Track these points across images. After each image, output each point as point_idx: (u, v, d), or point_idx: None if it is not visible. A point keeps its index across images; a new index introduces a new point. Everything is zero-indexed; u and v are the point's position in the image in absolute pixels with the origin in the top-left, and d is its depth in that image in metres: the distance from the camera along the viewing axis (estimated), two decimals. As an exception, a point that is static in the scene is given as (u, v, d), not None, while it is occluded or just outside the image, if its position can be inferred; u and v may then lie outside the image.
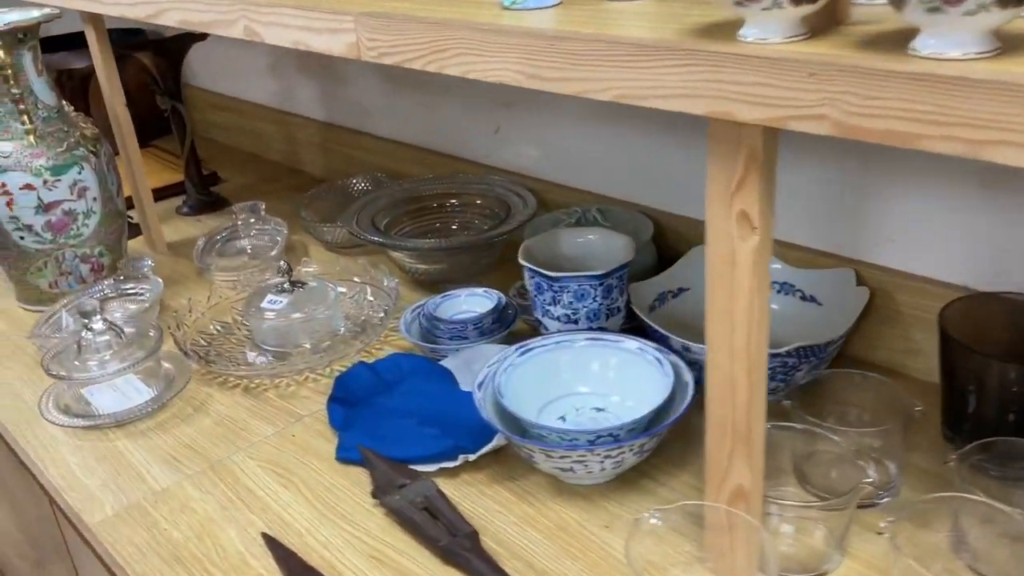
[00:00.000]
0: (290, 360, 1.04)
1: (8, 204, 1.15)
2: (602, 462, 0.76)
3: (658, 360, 0.83)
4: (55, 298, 1.24)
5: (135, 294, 1.23)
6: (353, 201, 1.51)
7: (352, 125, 1.64)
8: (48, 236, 1.18)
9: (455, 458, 0.84)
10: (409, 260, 1.22)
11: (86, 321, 0.96)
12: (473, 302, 1.04)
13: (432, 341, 1.03)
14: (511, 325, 1.01)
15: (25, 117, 1.15)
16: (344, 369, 1.03)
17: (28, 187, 1.15)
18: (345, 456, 0.88)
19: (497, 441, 0.84)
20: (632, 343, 0.86)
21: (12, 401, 1.03)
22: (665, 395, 0.79)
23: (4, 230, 1.17)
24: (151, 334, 1.00)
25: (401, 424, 0.89)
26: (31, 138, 1.16)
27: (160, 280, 1.21)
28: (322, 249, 1.41)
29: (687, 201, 1.10)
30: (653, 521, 0.67)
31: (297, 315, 1.08)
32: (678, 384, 0.81)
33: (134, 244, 1.44)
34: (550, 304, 0.92)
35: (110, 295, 1.23)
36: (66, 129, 1.20)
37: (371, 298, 1.17)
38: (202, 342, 1.12)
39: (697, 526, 0.70)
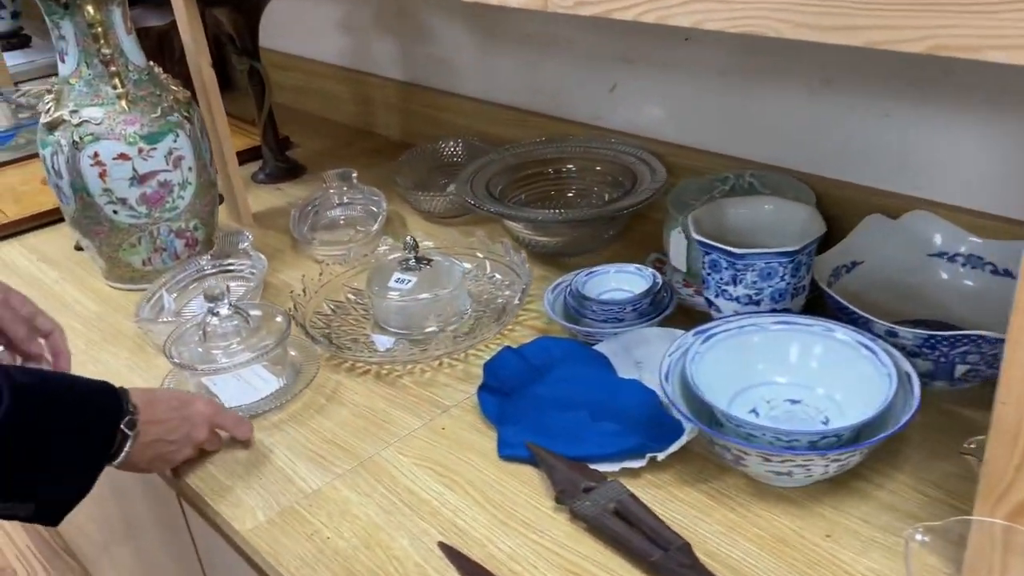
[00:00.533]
0: (425, 344, 0.96)
1: (101, 176, 1.06)
2: (827, 466, 0.68)
3: (869, 349, 0.74)
4: (147, 276, 1.16)
5: (235, 271, 1.15)
6: (444, 167, 1.43)
7: (436, 85, 1.53)
8: (143, 210, 1.10)
9: (641, 457, 0.76)
10: (527, 232, 1.14)
11: (212, 305, 0.88)
12: (623, 280, 0.96)
13: (575, 321, 0.95)
14: (668, 307, 0.92)
15: (116, 80, 1.06)
16: (479, 353, 0.95)
17: (122, 157, 1.06)
18: (511, 453, 0.80)
19: (687, 437, 0.76)
20: (838, 329, 0.77)
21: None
22: (890, 391, 0.70)
23: (96, 204, 1.08)
24: (278, 320, 0.91)
25: (570, 418, 0.81)
26: (123, 103, 1.06)
27: (263, 256, 1.12)
28: (419, 219, 1.33)
29: (849, 165, 1.00)
30: (919, 538, 0.59)
31: (424, 295, 0.99)
32: (899, 378, 0.72)
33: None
34: (728, 284, 0.83)
35: (209, 272, 1.14)
36: (158, 93, 1.10)
37: (496, 275, 1.08)
38: (319, 323, 1.03)
39: (947, 543, 0.62)
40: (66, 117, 1.05)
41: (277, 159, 1.51)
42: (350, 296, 1.09)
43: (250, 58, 1.42)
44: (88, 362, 1.03)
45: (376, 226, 1.21)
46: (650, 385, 0.86)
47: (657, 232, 1.16)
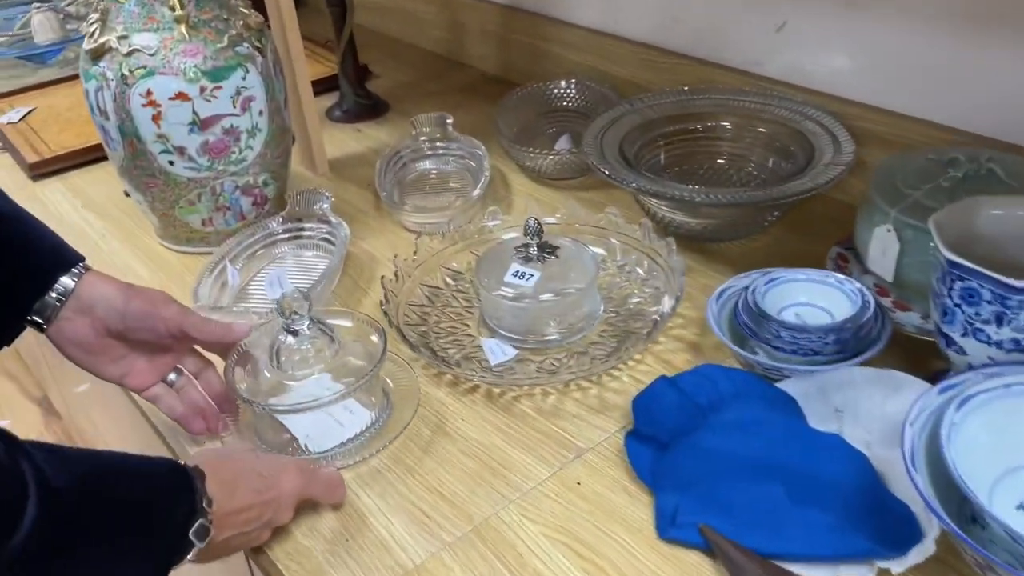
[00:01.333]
0: (543, 351, 0.76)
1: (155, 119, 0.87)
2: None
3: None
4: (207, 238, 0.97)
5: (310, 237, 0.96)
6: (552, 112, 1.20)
7: (545, 11, 1.29)
8: (204, 161, 0.90)
9: (867, 564, 0.56)
10: (666, 209, 0.91)
11: (287, 321, 0.68)
12: (816, 293, 0.74)
13: (743, 342, 0.74)
14: (880, 339, 0.70)
15: (175, 0, 0.85)
16: (615, 372, 0.75)
17: (180, 96, 0.86)
18: (677, 536, 0.60)
19: (932, 544, 0.55)
20: None
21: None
22: None
23: (149, 152, 0.89)
24: (374, 339, 0.71)
25: (759, 492, 0.61)
26: (182, 29, 0.86)
27: (345, 225, 0.92)
28: (523, 177, 1.11)
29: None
30: None
31: (550, 297, 0.79)
32: None
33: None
34: (988, 322, 0.61)
35: (280, 236, 0.95)
36: (225, 17, 0.89)
37: (631, 266, 0.87)
38: (413, 317, 0.84)
39: None
40: (113, 44, 0.85)
41: (357, 94, 1.29)
42: (448, 280, 0.90)
43: (330, -27, 1.20)
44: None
45: (478, 190, 1.00)
46: (853, 442, 0.65)
47: (838, 215, 0.94)
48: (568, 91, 1.19)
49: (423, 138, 1.11)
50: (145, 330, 0.65)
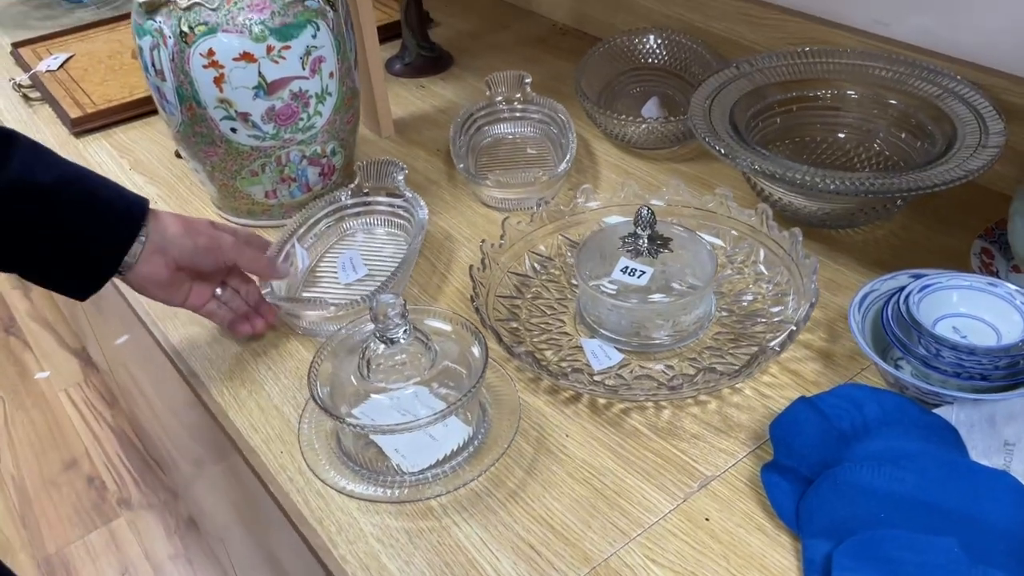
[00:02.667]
0: (652, 354, 0.68)
1: (216, 81, 0.77)
2: None
3: None
4: (270, 211, 0.89)
5: (382, 211, 0.87)
6: (635, 70, 1.09)
7: (629, -44, 1.17)
8: (270, 129, 0.81)
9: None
10: (781, 191, 0.82)
11: (380, 328, 0.60)
12: (977, 303, 0.64)
13: (883, 355, 0.65)
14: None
15: (240, -54, 0.75)
16: (734, 390, 0.67)
17: (245, 57, 0.77)
18: (831, 593, 0.53)
19: None
20: None
21: (263, 417, 0.69)
22: None
23: (209, 118, 0.80)
24: (475, 351, 0.62)
25: (929, 547, 0.53)
26: (248, -21, 0.76)
27: (424, 204, 0.83)
28: (608, 145, 1.01)
29: None
30: None
31: (659, 297, 0.70)
32: None
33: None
34: None
35: (350, 210, 0.86)
36: (294, -35, 0.79)
37: (745, 256, 0.78)
38: (503, 311, 0.76)
39: None
40: (170, -4, 0.76)
41: (420, 45, 1.19)
42: (536, 267, 0.81)
43: (396, -90, 1.08)
44: (199, 335, 0.78)
45: (565, 164, 0.90)
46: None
47: (972, 202, 0.84)
48: (656, 47, 1.08)
49: (499, 98, 1.01)
50: (208, 263, 0.71)
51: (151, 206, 0.68)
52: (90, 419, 1.87)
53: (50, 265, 0.64)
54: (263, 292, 0.76)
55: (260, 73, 0.77)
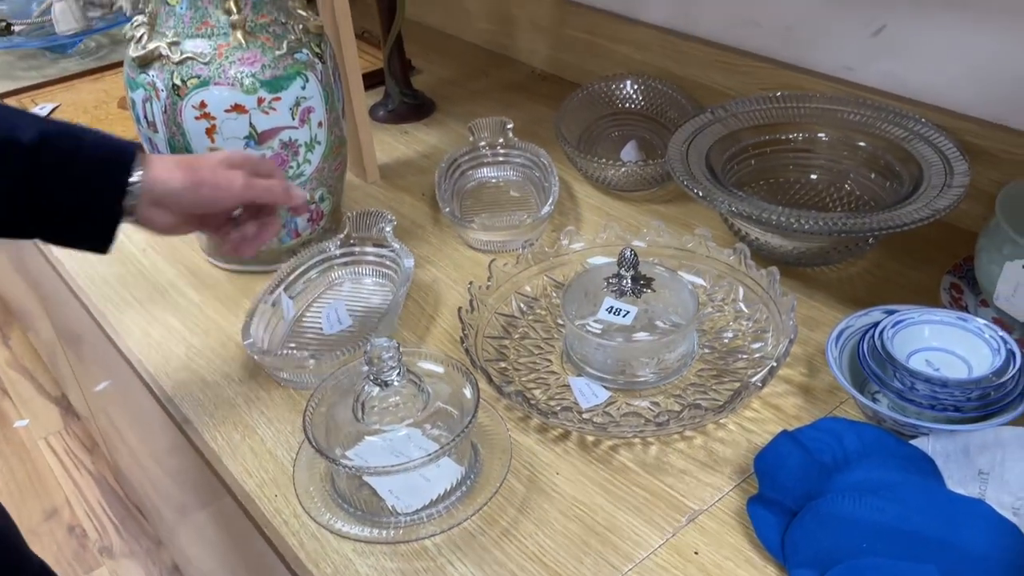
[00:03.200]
0: (637, 391, 0.70)
1: (208, 132, 0.79)
2: None
3: None
4: (259, 257, 0.90)
5: (368, 261, 0.89)
6: (613, 115, 1.13)
7: (605, 5, 1.21)
8: (259, 178, 0.83)
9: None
10: (757, 230, 0.85)
11: (372, 370, 0.61)
12: (949, 337, 0.67)
13: (860, 389, 0.67)
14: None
15: (231, 3, 0.77)
16: (718, 425, 0.69)
17: (237, 109, 0.79)
18: (819, 624, 0.55)
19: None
20: None
21: (256, 461, 0.70)
22: None
23: (200, 167, 0.82)
24: (466, 392, 0.64)
25: (908, 574, 0.55)
26: (239, 35, 0.78)
27: (410, 254, 0.84)
28: (589, 188, 1.04)
29: None
30: None
31: (646, 337, 0.72)
32: None
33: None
34: None
35: (338, 260, 0.88)
36: (283, 21, 0.81)
37: (724, 294, 0.80)
38: (491, 351, 0.77)
39: None
40: (164, 51, 0.77)
41: (403, 93, 1.22)
42: (522, 307, 0.83)
43: (380, -36, 1.12)
44: (191, 382, 0.79)
45: (548, 207, 0.93)
46: (999, 508, 0.59)
47: (940, 239, 0.87)
48: (633, 92, 1.12)
49: (482, 143, 1.04)
50: (217, 209, 0.68)
51: (144, 164, 0.64)
52: (70, 467, 1.85)
53: (55, 223, 0.63)
54: (244, 343, 0.76)
55: (251, 124, 0.79)
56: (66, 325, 1.40)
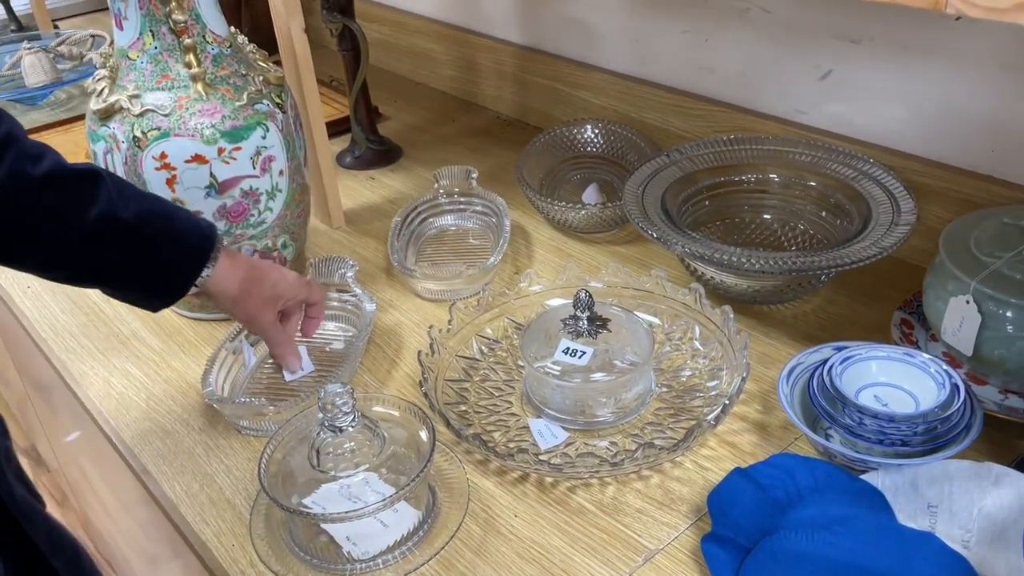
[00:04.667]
0: (595, 431, 0.70)
1: (169, 183, 0.80)
2: None
3: None
4: (222, 303, 0.90)
5: (331, 307, 0.89)
6: (575, 158, 1.15)
7: (567, 53, 1.24)
8: (222, 226, 0.84)
9: None
10: (714, 270, 0.86)
11: (327, 417, 0.62)
12: (896, 372, 0.68)
13: (812, 425, 0.68)
14: (972, 428, 0.64)
15: (191, 56, 0.79)
16: (674, 464, 0.69)
17: (197, 159, 0.80)
18: (773, 660, 0.55)
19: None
20: None
21: (214, 511, 0.70)
22: None
23: (161, 217, 0.83)
24: (423, 435, 0.65)
25: (860, 609, 0.56)
26: (199, 87, 0.80)
27: (372, 299, 0.85)
28: (551, 230, 1.05)
29: None
30: None
31: (603, 377, 0.73)
32: None
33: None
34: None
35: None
36: (244, 73, 0.83)
37: (696, 343, 0.81)
38: (452, 395, 0.78)
39: None
40: (124, 104, 0.79)
41: (369, 139, 1.24)
42: (484, 349, 0.84)
43: (343, 16, 1.14)
44: (151, 431, 0.79)
45: (495, 256, 0.93)
46: (948, 541, 0.60)
47: (890, 274, 0.89)
48: (594, 136, 1.14)
49: (442, 192, 1.05)
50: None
51: (216, 259, 0.72)
52: (39, 520, 1.82)
53: (129, 287, 0.71)
54: (204, 391, 0.77)
55: (212, 173, 0.81)
56: (34, 375, 1.39)
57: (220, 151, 0.80)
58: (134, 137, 0.79)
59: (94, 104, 0.81)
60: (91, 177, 0.66)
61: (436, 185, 1.05)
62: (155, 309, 0.73)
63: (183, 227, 0.71)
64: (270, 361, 0.85)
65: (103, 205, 0.65)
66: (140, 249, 0.68)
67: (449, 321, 0.82)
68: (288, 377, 0.82)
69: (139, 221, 0.67)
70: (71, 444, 1.44)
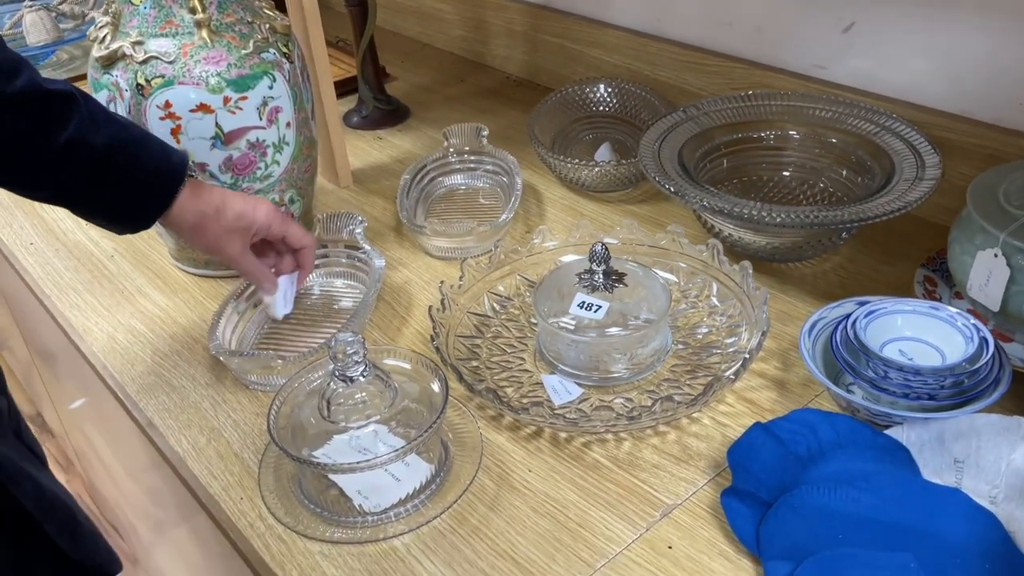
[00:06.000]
0: (610, 387, 0.69)
1: (174, 133, 0.78)
2: None
3: None
4: (228, 260, 0.89)
5: (340, 264, 0.88)
6: (587, 118, 1.12)
7: (578, 10, 1.21)
8: (227, 178, 0.82)
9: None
10: (733, 226, 0.84)
11: (339, 367, 0.60)
12: (922, 326, 0.66)
13: (835, 380, 0.67)
14: (1001, 382, 0.63)
15: (195, 1, 0.76)
16: (692, 420, 0.68)
17: (203, 108, 0.78)
18: (795, 616, 0.54)
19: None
20: None
21: (222, 464, 0.68)
22: None
23: (166, 169, 0.81)
24: (435, 387, 0.63)
25: (887, 563, 0.54)
26: (204, 33, 0.77)
27: (380, 256, 0.84)
28: (564, 190, 1.03)
29: None
30: None
31: (616, 331, 0.72)
32: None
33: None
34: None
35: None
36: (249, 20, 0.81)
37: (697, 289, 0.80)
38: (463, 350, 0.76)
39: None
40: (127, 51, 0.77)
41: (377, 99, 1.21)
42: (496, 307, 0.82)
43: (351, -31, 1.11)
44: (156, 385, 0.77)
45: (507, 213, 0.91)
46: (975, 496, 0.58)
47: (913, 233, 0.87)
48: (607, 95, 1.12)
49: (452, 150, 1.03)
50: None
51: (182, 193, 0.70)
52: (45, 487, 1.82)
53: (95, 213, 0.70)
54: (210, 344, 0.75)
55: (217, 123, 0.78)
56: (40, 342, 1.38)
57: (226, 100, 0.78)
58: (138, 85, 0.77)
59: (96, 51, 0.78)
60: (65, 99, 0.65)
61: (446, 143, 1.03)
62: (121, 234, 0.73)
63: (153, 158, 0.69)
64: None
65: (74, 130, 0.64)
66: (107, 178, 0.67)
67: (460, 277, 0.81)
68: (277, 312, 0.79)
69: (109, 149, 0.66)
70: (76, 412, 1.44)
